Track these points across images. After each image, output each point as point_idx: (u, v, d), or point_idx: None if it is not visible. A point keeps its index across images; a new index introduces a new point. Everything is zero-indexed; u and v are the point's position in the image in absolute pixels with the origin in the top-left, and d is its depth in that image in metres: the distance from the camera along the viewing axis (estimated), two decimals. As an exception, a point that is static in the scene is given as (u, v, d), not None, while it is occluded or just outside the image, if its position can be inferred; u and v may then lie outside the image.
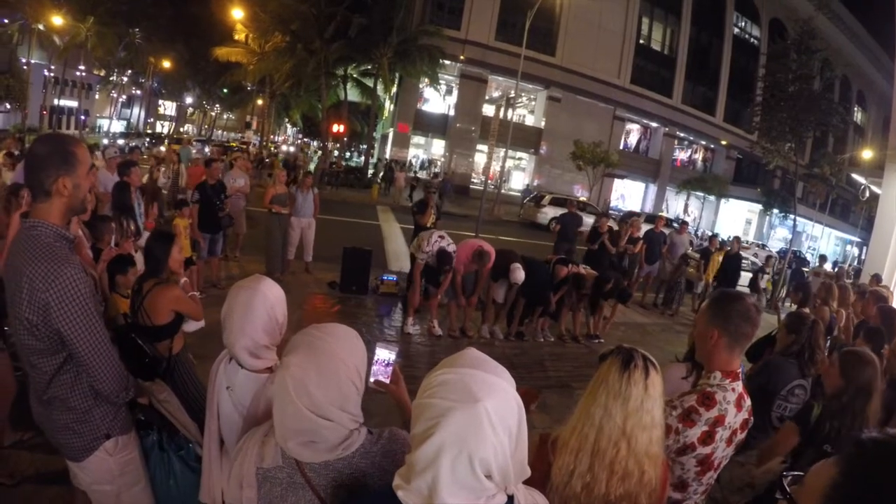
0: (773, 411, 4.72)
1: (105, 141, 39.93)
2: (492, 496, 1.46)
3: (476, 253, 9.04)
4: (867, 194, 23.93)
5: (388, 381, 2.25)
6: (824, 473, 1.03)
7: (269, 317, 2.42)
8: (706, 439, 2.56)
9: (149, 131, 66.64)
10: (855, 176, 27.10)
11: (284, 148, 73.68)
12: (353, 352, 1.82)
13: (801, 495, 1.10)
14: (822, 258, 20.41)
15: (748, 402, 2.76)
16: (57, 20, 41.60)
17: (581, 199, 35.20)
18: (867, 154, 31.99)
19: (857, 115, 65.46)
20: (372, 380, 2.26)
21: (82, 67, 55.66)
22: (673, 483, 2.65)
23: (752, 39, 58.21)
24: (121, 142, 41.69)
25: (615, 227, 16.42)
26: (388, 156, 47.38)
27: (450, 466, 1.38)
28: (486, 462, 1.39)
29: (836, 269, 18.71)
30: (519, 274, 9.04)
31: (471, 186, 42.15)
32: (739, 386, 2.69)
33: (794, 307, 8.68)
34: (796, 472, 1.21)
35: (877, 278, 12.97)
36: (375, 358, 2.27)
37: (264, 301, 2.41)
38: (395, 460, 1.84)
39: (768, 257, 26.01)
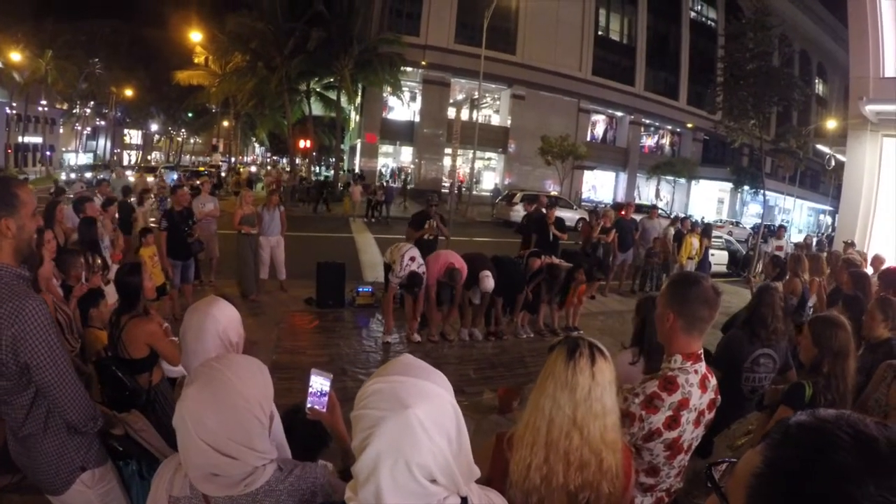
0: (742, 384, 4.76)
1: (64, 176, 39.41)
2: (443, 499, 1.46)
3: (448, 272, 9.10)
4: (833, 163, 24.24)
5: (323, 409, 2.23)
6: (750, 461, 0.95)
7: (220, 339, 2.43)
8: (671, 424, 2.57)
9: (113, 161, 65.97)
10: (820, 146, 27.38)
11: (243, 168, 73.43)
12: (254, 385, 1.77)
13: (729, 485, 1.02)
14: (781, 228, 20.28)
15: (713, 381, 2.77)
16: (15, 56, 41.28)
17: (552, 193, 35.28)
18: (831, 124, 32.34)
19: (819, 87, 66.18)
20: (307, 408, 2.24)
21: (44, 102, 55.19)
22: (644, 469, 2.67)
23: (709, 22, 58.67)
24: (88, 174, 41.25)
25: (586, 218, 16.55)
26: (356, 167, 47.34)
27: (389, 475, 1.38)
28: (426, 467, 1.40)
29: (804, 239, 18.76)
30: (488, 283, 9.11)
31: (442, 191, 42.00)
32: (702, 367, 2.69)
33: (768, 280, 8.75)
34: (731, 459, 1.13)
35: (850, 244, 13.07)
36: (310, 386, 2.24)
37: (215, 324, 2.43)
38: (303, 499, 1.83)
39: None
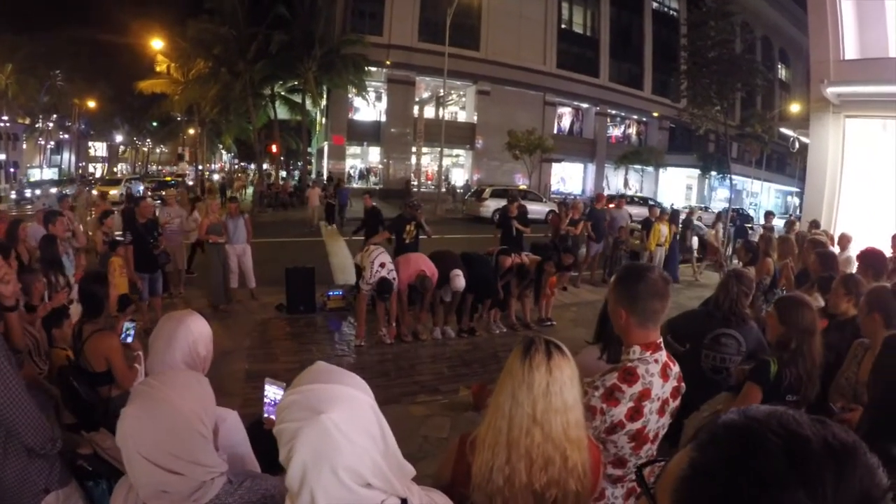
0: (702, 363, 4.77)
1: (14, 195, 38.78)
2: (381, 503, 1.45)
3: (419, 279, 9.12)
4: (797, 146, 24.43)
5: None
6: (679, 463, 0.88)
7: (189, 350, 2.41)
8: (634, 415, 2.55)
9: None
10: (785, 130, 27.68)
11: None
12: (191, 398, 1.76)
13: (658, 487, 0.95)
14: (769, 214, 20.25)
15: (676, 368, 2.75)
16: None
17: (521, 187, 35.37)
18: (794, 108, 32.71)
19: (782, 72, 67.07)
20: (264, 417, 2.21)
21: (6, 117, 54.26)
22: (611, 461, 2.65)
23: (671, 12, 59.07)
24: (53, 190, 40.60)
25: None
26: (325, 170, 47.27)
27: (319, 483, 1.38)
28: (353, 470, 1.40)
29: (786, 223, 18.88)
30: (459, 282, 9.20)
31: (412, 189, 41.99)
32: (663, 356, 2.67)
33: (741, 265, 8.82)
34: (664, 459, 1.06)
35: (815, 224, 13.19)
36: (264, 396, 2.21)
37: (188, 334, 2.42)
38: None
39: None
